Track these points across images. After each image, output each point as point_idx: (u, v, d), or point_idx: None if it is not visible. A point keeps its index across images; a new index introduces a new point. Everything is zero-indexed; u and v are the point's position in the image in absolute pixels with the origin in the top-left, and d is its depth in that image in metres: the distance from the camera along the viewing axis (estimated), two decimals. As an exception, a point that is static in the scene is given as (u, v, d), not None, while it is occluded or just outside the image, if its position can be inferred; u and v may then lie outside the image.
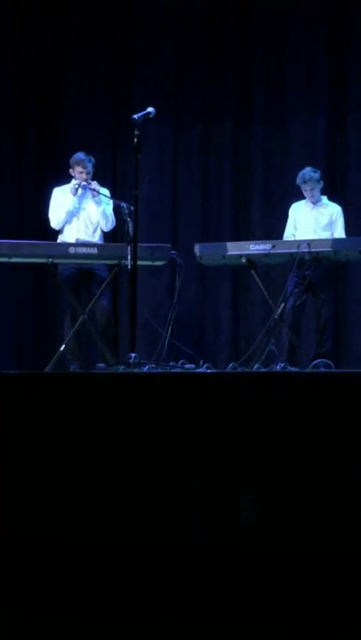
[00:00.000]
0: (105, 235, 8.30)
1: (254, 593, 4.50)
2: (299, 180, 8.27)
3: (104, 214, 8.19)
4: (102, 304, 8.05)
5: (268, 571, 4.51)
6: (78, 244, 7.94)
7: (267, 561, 4.52)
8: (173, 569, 4.60)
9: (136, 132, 6.74)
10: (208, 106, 9.55)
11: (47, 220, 8.31)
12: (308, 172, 8.25)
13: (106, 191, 8.26)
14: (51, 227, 8.28)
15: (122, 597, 4.60)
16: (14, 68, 9.62)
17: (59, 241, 8.20)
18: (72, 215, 8.19)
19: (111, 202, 8.13)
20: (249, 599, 4.50)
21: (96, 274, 8.05)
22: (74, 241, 8.07)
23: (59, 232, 8.26)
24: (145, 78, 9.55)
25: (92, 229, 8.22)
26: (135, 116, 6.84)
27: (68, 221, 8.19)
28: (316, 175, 8.25)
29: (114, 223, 8.14)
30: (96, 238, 8.20)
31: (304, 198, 8.35)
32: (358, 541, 4.47)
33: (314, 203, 8.29)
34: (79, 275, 8.07)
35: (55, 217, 8.22)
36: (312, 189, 8.24)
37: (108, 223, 8.21)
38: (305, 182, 8.24)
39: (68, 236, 8.18)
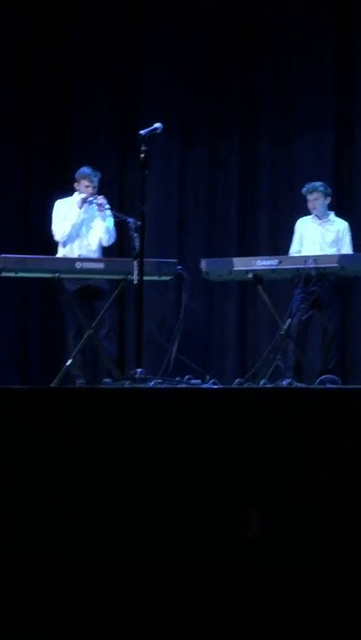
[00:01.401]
0: (103, 250, 8.29)
1: (257, 611, 4.48)
2: (304, 190, 8.27)
3: (107, 229, 8.19)
4: (104, 318, 8.04)
5: (272, 588, 4.49)
6: (85, 259, 7.94)
7: (271, 579, 4.50)
8: (178, 585, 4.58)
9: (143, 148, 6.74)
10: (215, 121, 9.56)
11: (52, 234, 8.30)
12: (314, 183, 8.25)
13: (107, 206, 8.26)
14: (54, 240, 8.27)
15: (127, 614, 4.58)
16: (21, 82, 9.64)
17: (59, 255, 8.18)
18: (77, 229, 8.18)
19: (112, 217, 8.12)
20: (252, 616, 4.47)
21: (100, 289, 8.04)
22: (75, 255, 8.06)
23: (60, 245, 8.23)
24: (152, 94, 9.57)
25: (94, 245, 8.21)
26: (142, 132, 6.84)
27: (72, 235, 8.18)
28: (323, 188, 8.24)
29: (115, 238, 8.14)
30: (97, 254, 8.19)
31: (310, 213, 8.34)
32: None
33: (319, 217, 8.28)
34: (84, 290, 8.06)
35: (60, 229, 8.21)
36: (315, 200, 8.23)
37: (111, 238, 8.21)
38: (309, 192, 8.24)
39: (68, 251, 8.17)
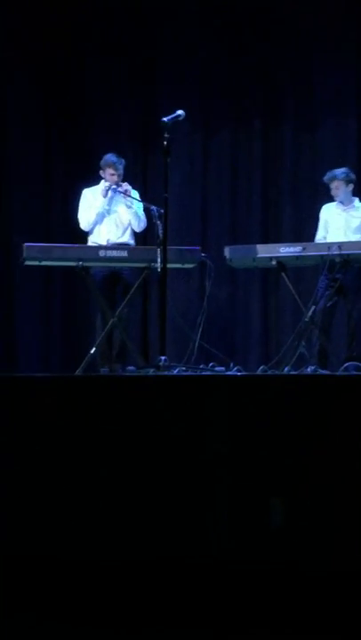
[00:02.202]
0: (136, 235, 8.30)
1: (279, 606, 4.47)
2: (325, 178, 8.24)
3: (136, 215, 8.18)
4: (130, 307, 8.05)
5: (294, 584, 4.48)
6: (108, 247, 7.94)
7: (294, 576, 4.48)
8: (198, 581, 4.57)
9: (166, 135, 6.72)
10: (237, 108, 9.54)
11: (76, 223, 8.31)
12: (335, 170, 8.21)
13: (135, 193, 8.26)
14: (80, 228, 8.29)
15: (144, 611, 4.58)
16: (41, 71, 9.63)
17: (89, 242, 8.20)
18: (102, 217, 8.19)
19: (141, 203, 8.12)
20: (274, 612, 4.46)
21: (123, 277, 8.05)
22: (104, 242, 8.08)
23: (88, 233, 8.27)
24: (174, 80, 9.55)
25: (122, 230, 8.22)
26: (165, 119, 6.83)
27: (98, 222, 8.19)
28: (343, 175, 8.20)
29: (146, 223, 8.12)
30: (126, 239, 8.20)
31: (334, 200, 8.31)
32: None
33: (344, 204, 8.25)
34: (109, 278, 8.07)
35: (85, 218, 8.23)
36: (337, 188, 8.20)
37: (141, 223, 8.19)
38: (330, 180, 8.21)
39: (98, 237, 8.19)
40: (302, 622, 4.40)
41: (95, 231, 8.22)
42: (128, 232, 8.24)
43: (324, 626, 4.37)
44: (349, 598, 4.37)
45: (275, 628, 4.40)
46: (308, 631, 4.37)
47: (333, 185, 8.21)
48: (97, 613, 4.59)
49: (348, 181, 8.23)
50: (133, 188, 8.32)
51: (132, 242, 8.23)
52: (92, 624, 4.56)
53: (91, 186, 8.32)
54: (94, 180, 8.34)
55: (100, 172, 8.26)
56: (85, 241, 8.25)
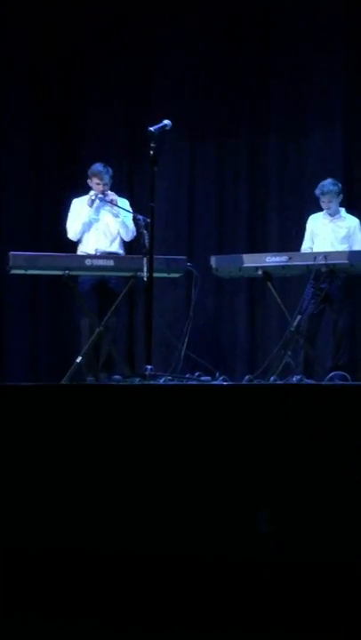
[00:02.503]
0: (125, 244, 8.31)
1: (270, 603, 4.48)
2: (317, 191, 8.24)
3: (123, 224, 8.19)
4: (116, 316, 8.07)
5: (284, 582, 4.49)
6: (95, 256, 7.95)
7: (283, 572, 4.50)
8: (188, 579, 4.58)
9: (152, 145, 6.75)
10: (224, 118, 9.55)
11: (64, 232, 8.33)
12: (327, 184, 8.22)
13: (125, 202, 8.27)
14: (68, 238, 8.30)
15: (136, 607, 4.59)
16: (32, 78, 9.65)
17: (78, 252, 8.22)
18: (89, 226, 8.21)
19: (129, 212, 8.13)
20: (264, 609, 4.48)
21: (110, 286, 8.06)
22: (92, 251, 8.09)
23: (78, 242, 8.28)
24: (162, 90, 9.56)
25: (110, 240, 8.23)
26: (152, 129, 6.85)
27: (85, 232, 8.21)
28: (336, 188, 8.22)
29: (135, 233, 8.12)
30: (115, 248, 8.21)
31: (321, 210, 8.33)
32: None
33: (331, 215, 8.28)
34: (96, 287, 8.08)
35: (72, 228, 8.25)
36: (330, 202, 8.22)
37: (129, 233, 8.20)
38: (323, 194, 8.21)
39: (86, 247, 8.21)
40: (294, 620, 4.41)
41: (84, 241, 8.24)
42: (117, 242, 8.25)
43: (314, 625, 4.39)
44: (340, 597, 4.39)
45: (265, 627, 4.42)
46: (299, 631, 4.39)
47: (326, 199, 8.22)
48: (85, 609, 4.60)
49: (339, 193, 8.26)
50: (121, 197, 8.33)
51: (121, 251, 8.24)
52: (80, 619, 4.57)
53: (80, 195, 8.33)
54: (83, 188, 8.35)
55: (88, 181, 8.28)
56: (75, 250, 8.26)
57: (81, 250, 8.22)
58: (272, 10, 9.44)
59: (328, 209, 8.25)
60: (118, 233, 8.23)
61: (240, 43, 9.50)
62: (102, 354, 8.06)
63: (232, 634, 4.45)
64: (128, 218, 8.15)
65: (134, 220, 7.80)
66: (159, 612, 4.57)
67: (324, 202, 8.25)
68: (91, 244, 8.19)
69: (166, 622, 4.53)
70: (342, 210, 8.34)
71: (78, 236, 8.24)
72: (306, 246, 8.32)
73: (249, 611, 4.49)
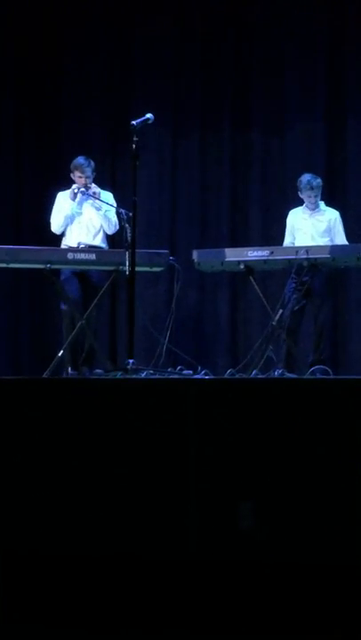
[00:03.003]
0: (108, 238, 8.30)
1: (252, 605, 4.49)
2: (305, 186, 8.23)
3: (106, 217, 8.19)
4: (98, 309, 8.06)
5: (266, 582, 4.50)
6: (77, 249, 7.94)
7: (265, 572, 4.51)
8: (171, 580, 4.58)
9: (134, 139, 6.74)
10: (206, 112, 9.55)
11: (46, 226, 8.32)
12: (312, 178, 8.23)
13: (109, 195, 8.26)
14: (51, 231, 8.29)
15: (118, 609, 4.59)
16: (13, 74, 9.63)
17: (62, 245, 8.21)
18: (71, 220, 8.20)
19: (110, 205, 8.12)
20: (247, 611, 4.48)
21: (91, 280, 8.05)
22: (75, 245, 8.08)
23: (61, 236, 8.27)
24: (144, 84, 9.56)
25: (93, 233, 8.22)
26: (134, 123, 6.85)
27: (68, 225, 8.20)
28: (319, 181, 8.25)
29: (117, 226, 8.11)
30: (97, 242, 8.20)
31: (302, 204, 8.34)
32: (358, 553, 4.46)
33: (311, 209, 8.29)
34: (76, 279, 8.07)
35: (55, 221, 8.25)
36: (316, 196, 8.24)
37: (111, 226, 8.19)
38: (312, 189, 8.20)
39: (69, 240, 8.20)
40: (276, 620, 4.43)
41: (67, 234, 8.23)
42: (100, 235, 8.24)
43: (299, 625, 4.41)
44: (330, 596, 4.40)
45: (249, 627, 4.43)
46: (285, 631, 4.40)
47: (313, 193, 8.22)
48: (64, 610, 4.60)
49: (321, 188, 8.27)
50: (104, 190, 8.32)
51: (103, 245, 8.23)
52: (61, 621, 4.57)
53: (64, 188, 8.32)
54: (64, 182, 8.34)
55: (71, 174, 8.27)
56: (59, 244, 8.25)
57: (64, 243, 8.22)
58: (253, 3, 9.44)
59: (312, 203, 8.26)
60: (101, 226, 8.23)
61: (221, 37, 9.50)
62: (83, 348, 8.06)
63: (217, 634, 4.46)
64: (111, 211, 8.14)
65: (117, 213, 7.79)
66: (140, 612, 4.57)
67: (310, 196, 8.25)
68: (74, 238, 8.18)
69: (148, 621, 4.53)
70: (322, 203, 8.35)
71: (61, 230, 8.24)
72: (287, 241, 8.33)
73: (232, 611, 4.50)
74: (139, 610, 4.55)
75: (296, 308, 8.00)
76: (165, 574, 4.57)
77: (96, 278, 8.04)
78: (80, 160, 8.23)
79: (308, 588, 4.45)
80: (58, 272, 7.94)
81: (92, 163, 8.28)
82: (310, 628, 4.40)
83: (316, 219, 8.29)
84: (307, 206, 8.30)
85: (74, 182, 8.26)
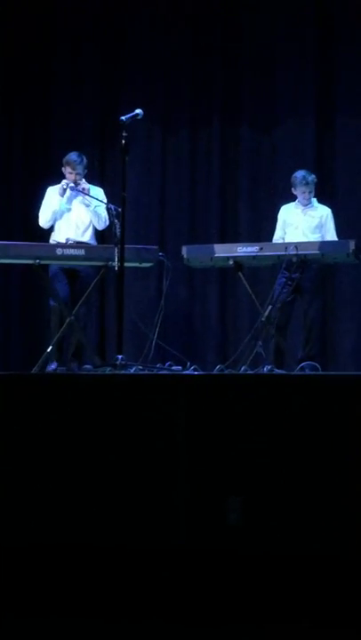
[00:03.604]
0: (97, 234, 8.30)
1: (240, 595, 4.50)
2: (301, 182, 8.22)
3: (95, 213, 8.17)
4: (87, 305, 8.06)
5: (254, 573, 4.51)
6: (66, 245, 7.93)
7: (253, 563, 4.52)
8: (161, 570, 4.59)
9: (124, 134, 6.73)
10: (196, 108, 9.55)
11: (35, 221, 8.30)
12: (306, 174, 8.24)
13: (100, 190, 8.25)
14: (39, 226, 8.28)
15: (110, 598, 4.60)
16: (2, 68, 9.60)
17: (51, 240, 8.19)
18: (60, 215, 8.18)
19: (100, 201, 8.11)
20: (235, 601, 4.49)
21: (81, 275, 8.04)
22: (64, 241, 8.07)
23: (50, 231, 8.26)
24: (133, 79, 9.55)
25: (82, 229, 8.21)
26: (123, 118, 6.84)
27: (57, 220, 8.19)
28: (314, 179, 8.26)
29: (107, 222, 8.10)
30: (87, 238, 8.19)
31: (292, 200, 8.35)
32: (346, 544, 4.47)
33: (304, 205, 8.29)
34: (65, 275, 8.06)
35: (43, 216, 8.23)
36: (310, 192, 8.25)
37: (101, 222, 8.18)
38: (307, 184, 8.21)
39: (58, 236, 8.19)
40: (265, 610, 4.44)
41: (56, 229, 8.22)
42: (89, 231, 8.23)
43: (285, 614, 4.42)
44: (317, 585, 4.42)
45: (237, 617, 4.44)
46: (271, 620, 4.42)
47: (308, 189, 8.22)
48: (57, 599, 4.60)
49: (315, 184, 8.28)
50: (94, 185, 8.30)
51: (93, 241, 8.22)
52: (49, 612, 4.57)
53: (54, 183, 8.30)
54: (54, 177, 8.32)
55: (62, 169, 8.25)
56: (48, 240, 8.23)
57: (53, 239, 8.21)
58: (243, 0, 9.43)
59: (306, 199, 8.26)
60: (90, 222, 8.22)
61: (211, 33, 9.49)
62: (72, 343, 8.05)
63: (207, 623, 4.47)
64: (101, 207, 8.13)
65: (106, 209, 7.78)
66: (131, 604, 4.58)
67: (305, 192, 8.25)
68: (62, 233, 8.17)
69: (139, 614, 4.54)
70: (314, 200, 8.36)
71: (49, 224, 8.22)
72: (278, 236, 8.33)
73: (220, 600, 4.51)
74: (129, 599, 4.56)
75: (285, 304, 8.00)
76: (155, 564, 4.58)
77: (85, 274, 8.03)
78: (73, 156, 8.21)
79: (294, 577, 4.46)
80: (47, 267, 7.93)
81: (85, 160, 8.26)
82: (296, 616, 4.41)
83: (309, 214, 8.30)
84: (300, 202, 8.30)
85: (64, 177, 8.24)
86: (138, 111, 6.98)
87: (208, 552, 4.58)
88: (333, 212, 8.39)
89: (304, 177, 8.23)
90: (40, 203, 8.28)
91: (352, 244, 7.63)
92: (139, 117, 7.00)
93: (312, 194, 8.27)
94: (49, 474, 4.75)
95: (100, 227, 8.22)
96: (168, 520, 4.64)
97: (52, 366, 7.80)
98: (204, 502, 4.62)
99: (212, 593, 4.52)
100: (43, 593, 4.64)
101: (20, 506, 4.75)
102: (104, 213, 8.10)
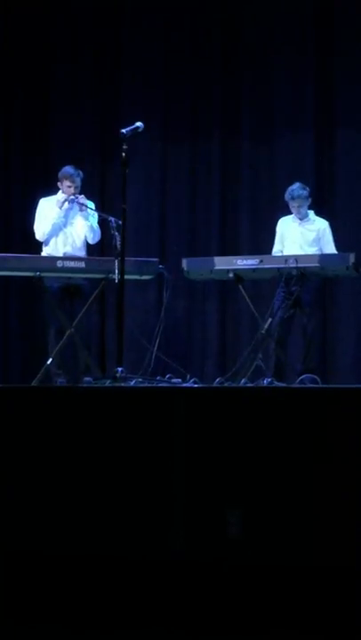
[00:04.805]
0: (89, 248, 8.30)
1: (238, 606, 4.49)
2: (287, 197, 8.26)
3: (91, 228, 8.18)
4: (87, 318, 8.06)
5: (253, 584, 4.51)
6: (66, 257, 7.94)
7: (252, 575, 4.51)
8: (158, 582, 4.59)
9: (124, 147, 6.74)
10: (196, 120, 9.57)
11: (33, 233, 8.29)
12: (296, 188, 8.24)
13: (92, 204, 8.25)
14: (36, 238, 8.27)
15: (107, 609, 4.59)
16: (1, 81, 9.62)
17: (43, 254, 8.18)
18: (58, 228, 8.18)
19: (96, 215, 8.12)
20: (234, 612, 4.49)
21: (82, 289, 8.04)
22: (60, 254, 8.07)
23: (43, 244, 8.24)
24: (133, 92, 9.57)
25: (78, 243, 8.22)
26: (124, 131, 6.85)
27: (53, 234, 8.18)
28: (305, 192, 8.25)
29: (100, 236, 8.13)
30: (82, 253, 8.20)
31: (292, 213, 8.36)
32: (344, 555, 4.46)
33: (301, 218, 8.30)
34: (66, 289, 8.06)
35: (40, 229, 8.21)
36: (300, 206, 8.25)
37: (95, 236, 8.20)
38: (293, 199, 8.23)
39: (52, 249, 8.18)
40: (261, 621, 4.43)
41: (51, 243, 8.21)
42: (84, 246, 8.24)
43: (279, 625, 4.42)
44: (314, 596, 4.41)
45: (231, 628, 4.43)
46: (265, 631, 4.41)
47: (296, 203, 8.23)
48: (55, 609, 4.60)
49: (308, 197, 8.29)
50: (91, 198, 8.31)
51: (85, 256, 8.21)
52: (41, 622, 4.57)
53: (48, 195, 8.30)
54: (52, 190, 8.34)
55: (58, 183, 8.25)
56: (40, 252, 8.23)
57: (46, 252, 8.18)
58: (242, 12, 9.46)
59: (298, 213, 8.28)
60: (85, 237, 8.22)
61: (210, 46, 9.51)
62: (80, 358, 8.03)
63: (204, 634, 4.46)
64: (94, 221, 8.15)
65: (106, 221, 7.79)
66: (128, 615, 4.57)
67: (293, 206, 8.28)
68: (58, 247, 8.16)
69: (135, 624, 4.53)
70: (311, 212, 8.37)
71: (46, 237, 8.21)
72: (276, 249, 8.34)
73: (218, 613, 4.50)
74: (128, 610, 4.55)
75: (285, 317, 8.01)
76: (153, 575, 4.58)
77: (85, 287, 8.03)
78: (69, 170, 8.22)
79: (292, 588, 4.46)
80: (45, 280, 7.92)
81: (81, 173, 8.27)
82: (295, 627, 4.41)
83: (306, 228, 8.30)
84: (296, 215, 8.32)
85: (59, 190, 8.23)
86: (138, 124, 7.00)
87: (207, 563, 4.57)
88: (332, 225, 8.39)
89: (290, 192, 8.23)
90: (34, 215, 8.27)
91: (352, 257, 7.65)
92: (139, 130, 7.01)
93: (303, 208, 8.26)
94: (48, 486, 4.74)
95: (93, 241, 8.23)
96: (167, 531, 4.64)
97: (61, 381, 7.79)
98: (203, 514, 4.61)
99: (210, 604, 4.51)
100: (41, 603, 4.64)
101: (19, 516, 4.74)
102: (98, 228, 8.12)
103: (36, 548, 4.71)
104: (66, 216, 8.21)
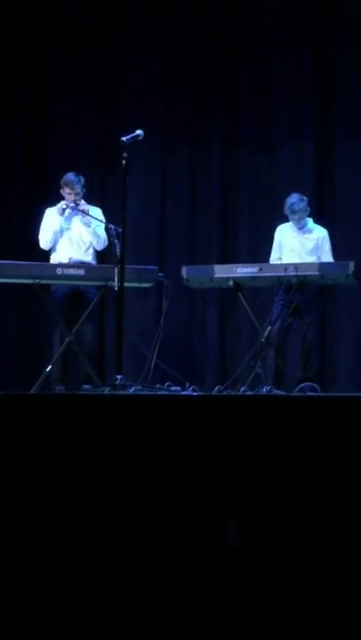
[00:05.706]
0: (97, 254, 8.31)
1: (236, 617, 4.48)
2: (287, 210, 8.25)
3: (95, 234, 8.19)
4: (89, 325, 8.06)
5: (253, 595, 4.50)
6: (66, 265, 7.94)
7: (250, 585, 4.51)
8: (156, 592, 4.58)
9: (124, 155, 6.76)
10: (196, 129, 9.57)
11: (34, 241, 8.31)
12: (296, 202, 8.22)
13: (98, 210, 8.26)
14: (40, 247, 8.29)
15: (106, 620, 4.58)
16: (2, 89, 9.63)
17: (51, 261, 8.21)
18: (61, 234, 8.20)
19: (99, 221, 8.13)
20: (231, 623, 4.48)
21: (87, 296, 8.04)
22: (66, 260, 8.08)
23: (50, 252, 8.27)
24: (133, 101, 9.57)
25: (84, 249, 8.24)
26: (124, 139, 6.86)
27: (57, 241, 8.20)
28: (304, 204, 8.24)
29: (106, 242, 8.12)
30: (89, 258, 8.22)
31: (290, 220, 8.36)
32: (345, 565, 4.46)
33: (300, 228, 8.30)
34: (70, 296, 8.07)
35: (43, 237, 8.24)
36: (300, 219, 8.26)
37: (100, 242, 8.21)
38: (293, 213, 8.23)
39: (60, 256, 8.20)
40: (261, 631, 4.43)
41: (58, 249, 8.24)
42: (90, 251, 8.25)
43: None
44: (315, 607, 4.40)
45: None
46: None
47: (297, 216, 8.23)
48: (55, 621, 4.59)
49: (307, 208, 8.29)
50: (93, 205, 8.32)
51: (93, 261, 8.24)
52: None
53: (53, 204, 8.32)
54: (53, 197, 8.34)
55: (60, 190, 8.27)
56: (48, 260, 8.25)
57: (54, 259, 8.22)
58: (243, 22, 9.47)
59: (298, 224, 8.28)
60: (91, 242, 8.23)
61: (211, 55, 9.52)
62: (81, 367, 8.02)
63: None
64: (100, 227, 8.15)
65: (106, 229, 7.80)
66: (127, 626, 4.56)
67: (294, 219, 8.28)
68: (64, 254, 8.19)
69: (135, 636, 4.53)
70: (310, 221, 8.36)
71: (50, 245, 8.24)
72: (274, 257, 8.34)
73: (217, 623, 4.49)
74: (126, 620, 4.55)
75: (284, 324, 8.01)
76: (151, 585, 4.57)
77: (88, 294, 8.02)
78: (70, 177, 8.24)
79: (292, 598, 4.45)
80: (47, 287, 7.93)
81: (82, 179, 8.29)
82: (296, 637, 4.40)
83: (305, 237, 8.30)
84: (295, 225, 8.32)
85: (63, 198, 8.25)
86: (138, 132, 7.01)
87: (206, 573, 4.56)
88: (332, 234, 8.40)
89: (290, 206, 8.22)
90: (39, 224, 8.29)
91: (351, 266, 7.65)
92: (139, 138, 7.03)
93: (302, 219, 8.26)
94: (45, 495, 4.74)
95: (100, 247, 8.24)
96: (165, 541, 4.63)
97: (60, 388, 7.79)
98: (202, 523, 4.61)
99: (209, 614, 4.50)
100: (39, 615, 4.63)
101: (18, 527, 4.74)
102: (103, 234, 8.12)
103: (34, 559, 4.70)
104: (69, 222, 8.22)
